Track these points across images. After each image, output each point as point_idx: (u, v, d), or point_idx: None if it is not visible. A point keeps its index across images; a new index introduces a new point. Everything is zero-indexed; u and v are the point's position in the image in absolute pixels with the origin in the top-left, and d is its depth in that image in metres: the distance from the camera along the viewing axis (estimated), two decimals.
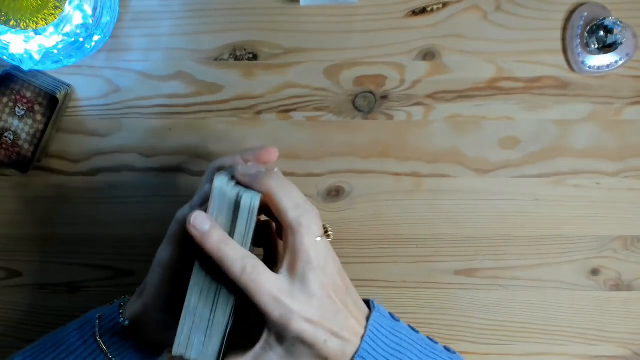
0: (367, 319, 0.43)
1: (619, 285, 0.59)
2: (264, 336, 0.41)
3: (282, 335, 0.40)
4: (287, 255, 0.41)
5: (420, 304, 0.59)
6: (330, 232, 0.43)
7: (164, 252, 0.45)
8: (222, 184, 0.42)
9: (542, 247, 0.58)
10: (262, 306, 0.39)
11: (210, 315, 0.41)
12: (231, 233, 0.41)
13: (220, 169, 0.46)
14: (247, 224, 0.41)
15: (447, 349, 0.46)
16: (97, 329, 0.46)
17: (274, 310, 0.39)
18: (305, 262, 0.40)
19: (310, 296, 0.40)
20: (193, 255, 0.42)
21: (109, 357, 0.46)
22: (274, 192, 0.41)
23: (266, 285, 0.39)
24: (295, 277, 0.40)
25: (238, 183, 0.43)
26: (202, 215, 0.40)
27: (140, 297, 0.46)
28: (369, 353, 0.41)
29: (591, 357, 0.59)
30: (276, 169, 0.44)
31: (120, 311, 0.47)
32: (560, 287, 0.59)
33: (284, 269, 0.41)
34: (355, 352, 0.41)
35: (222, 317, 0.41)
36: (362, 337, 0.42)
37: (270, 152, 0.47)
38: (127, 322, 0.46)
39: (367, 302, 0.45)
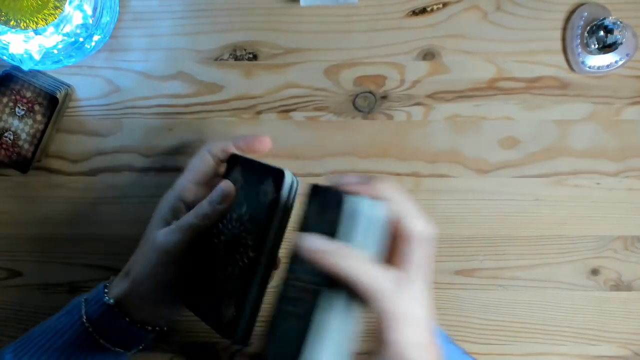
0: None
1: (619, 285, 0.59)
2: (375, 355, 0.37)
3: (391, 356, 0.36)
4: (408, 267, 0.38)
5: None
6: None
7: (169, 236, 0.44)
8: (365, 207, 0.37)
9: (542, 247, 0.58)
10: (384, 333, 0.36)
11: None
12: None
13: (228, 158, 0.47)
14: (375, 234, 0.38)
15: None
16: (83, 312, 0.46)
17: (395, 337, 0.36)
18: (423, 279, 0.38)
19: (423, 318, 0.38)
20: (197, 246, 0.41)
21: (95, 337, 0.46)
22: (397, 197, 0.38)
23: (392, 310, 0.36)
24: (413, 296, 0.37)
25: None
26: (312, 236, 0.37)
27: (128, 276, 0.46)
28: None
29: (591, 357, 0.59)
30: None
31: (106, 291, 0.47)
32: (560, 287, 0.59)
33: (403, 283, 0.37)
34: None
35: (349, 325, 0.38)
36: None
37: (262, 142, 0.48)
38: (112, 301, 0.46)
39: None
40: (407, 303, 0.37)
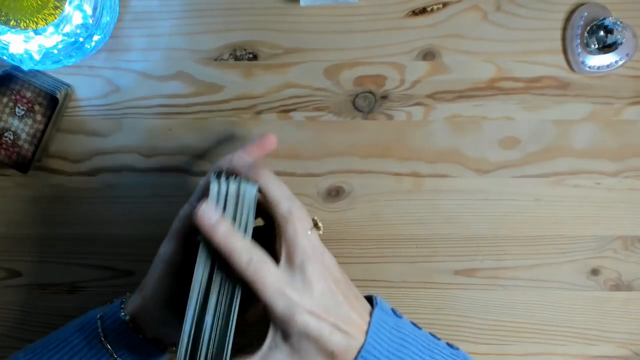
0: (370, 314, 0.43)
1: (619, 285, 0.59)
2: (270, 334, 0.41)
3: (287, 331, 0.40)
4: (284, 247, 0.41)
5: (420, 304, 0.59)
6: (320, 225, 0.43)
7: (165, 247, 0.46)
8: (217, 181, 0.42)
9: (542, 247, 0.58)
10: (266, 299, 0.39)
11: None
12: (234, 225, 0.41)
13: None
14: (248, 214, 0.41)
15: (449, 345, 0.46)
16: (100, 330, 0.46)
17: (278, 302, 0.39)
18: (302, 252, 0.40)
19: (311, 287, 0.40)
20: (192, 253, 0.42)
21: (114, 356, 0.46)
22: (268, 183, 0.42)
23: (270, 277, 0.39)
24: (294, 268, 0.40)
25: (229, 177, 0.43)
26: (211, 207, 0.40)
27: (141, 292, 0.47)
28: (373, 348, 0.41)
29: (591, 357, 0.59)
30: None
31: (122, 306, 0.47)
32: (560, 287, 0.59)
33: (282, 261, 0.41)
34: (361, 348, 0.41)
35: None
36: (366, 332, 0.41)
37: (271, 140, 0.49)
38: (127, 318, 0.46)
39: (370, 299, 0.45)
40: (289, 273, 0.40)
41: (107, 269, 0.59)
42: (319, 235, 0.43)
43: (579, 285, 0.59)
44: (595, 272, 0.59)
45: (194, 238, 0.45)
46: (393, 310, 0.45)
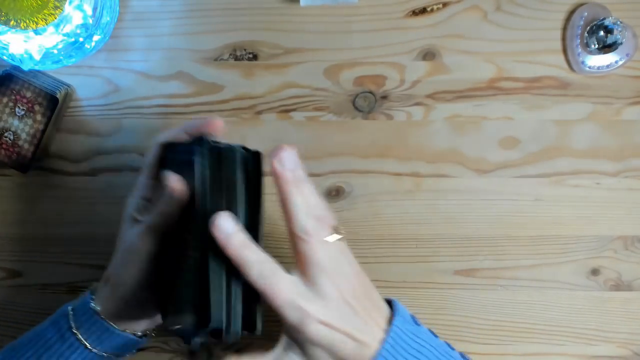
0: (389, 321, 0.42)
1: (619, 285, 0.59)
2: (283, 338, 0.41)
3: (299, 338, 0.40)
4: (297, 260, 0.40)
5: (420, 304, 0.59)
6: (342, 231, 0.42)
7: (139, 241, 0.44)
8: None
9: (542, 247, 0.58)
10: (278, 310, 0.39)
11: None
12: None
13: (168, 143, 0.46)
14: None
15: (462, 355, 0.45)
16: (72, 322, 0.46)
17: (290, 314, 0.39)
18: (316, 266, 0.39)
19: (325, 299, 0.39)
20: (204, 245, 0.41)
21: (88, 347, 0.46)
22: (287, 187, 0.41)
23: (283, 289, 0.39)
24: (308, 280, 0.40)
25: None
26: (228, 218, 0.40)
27: (109, 282, 0.46)
28: (388, 357, 0.40)
29: (591, 357, 0.59)
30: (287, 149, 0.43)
31: (92, 296, 0.47)
32: (560, 287, 0.59)
33: (296, 273, 0.40)
34: (374, 357, 0.40)
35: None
36: (383, 341, 0.41)
37: (213, 124, 0.46)
38: (98, 308, 0.46)
39: (389, 302, 0.44)
40: (303, 284, 0.39)
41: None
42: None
43: (579, 285, 0.59)
44: (595, 272, 0.59)
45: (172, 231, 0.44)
46: (412, 318, 0.45)
